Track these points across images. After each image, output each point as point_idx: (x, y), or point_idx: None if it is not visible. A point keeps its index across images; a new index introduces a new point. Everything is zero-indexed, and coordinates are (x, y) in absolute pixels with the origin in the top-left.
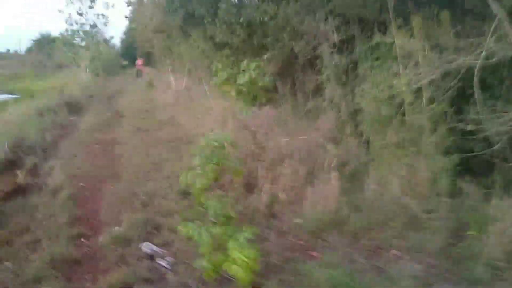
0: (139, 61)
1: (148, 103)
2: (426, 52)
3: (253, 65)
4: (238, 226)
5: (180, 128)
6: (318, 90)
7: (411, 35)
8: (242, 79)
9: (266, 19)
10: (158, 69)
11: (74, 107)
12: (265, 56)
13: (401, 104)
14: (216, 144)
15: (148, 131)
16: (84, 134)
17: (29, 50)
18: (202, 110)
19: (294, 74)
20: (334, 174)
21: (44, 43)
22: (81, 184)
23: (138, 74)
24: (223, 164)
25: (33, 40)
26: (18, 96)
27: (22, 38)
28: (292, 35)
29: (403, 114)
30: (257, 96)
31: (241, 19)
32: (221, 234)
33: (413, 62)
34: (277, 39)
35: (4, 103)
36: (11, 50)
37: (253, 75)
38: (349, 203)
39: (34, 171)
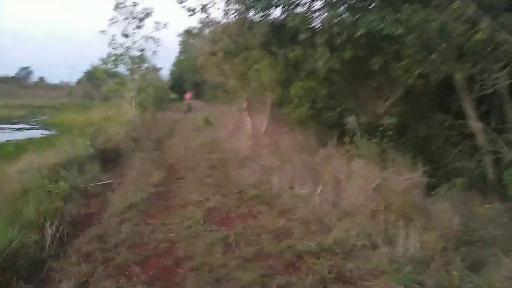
0: (188, 95)
1: (213, 152)
2: None
3: None
4: None
5: (290, 213)
6: None
7: None
8: None
9: (399, 31)
10: (211, 103)
11: (111, 157)
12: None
13: None
14: None
15: (231, 218)
16: (118, 224)
17: (79, 81)
18: (318, 176)
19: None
20: None
21: (94, 74)
22: None
23: (188, 108)
24: None
25: (84, 71)
26: (54, 133)
27: (74, 69)
28: (449, 54)
29: None
30: None
31: (358, 32)
32: None
33: None
34: (419, 61)
35: (30, 144)
36: (65, 82)
37: None
38: None
39: None
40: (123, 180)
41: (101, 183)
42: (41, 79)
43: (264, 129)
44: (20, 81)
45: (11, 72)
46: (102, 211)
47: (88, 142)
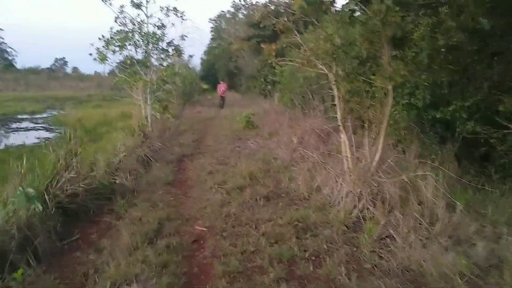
0: (222, 87)
1: (279, 200)
2: None
3: None
4: None
5: None
6: None
7: None
8: None
9: None
10: (249, 96)
11: (92, 213)
12: None
13: None
14: None
15: None
16: None
17: (111, 72)
18: None
19: None
20: None
21: (127, 65)
22: None
23: (222, 103)
24: None
25: (117, 62)
26: (55, 135)
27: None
28: None
29: None
30: None
31: None
32: None
33: None
34: None
35: None
36: (98, 72)
37: None
38: None
39: None
40: None
41: None
42: (75, 69)
43: (377, 157)
44: (53, 72)
45: (48, 63)
46: None
47: (33, 193)
